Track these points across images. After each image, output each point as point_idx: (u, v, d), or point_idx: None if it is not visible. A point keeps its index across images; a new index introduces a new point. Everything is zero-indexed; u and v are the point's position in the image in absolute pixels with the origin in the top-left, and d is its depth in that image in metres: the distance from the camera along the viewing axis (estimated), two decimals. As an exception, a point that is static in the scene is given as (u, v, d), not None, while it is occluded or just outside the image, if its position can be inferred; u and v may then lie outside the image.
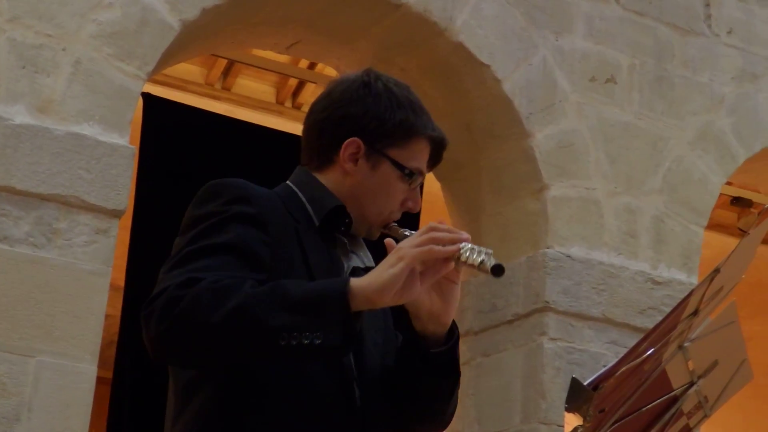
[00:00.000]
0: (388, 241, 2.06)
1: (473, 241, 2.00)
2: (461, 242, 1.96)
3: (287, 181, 2.28)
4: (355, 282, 1.91)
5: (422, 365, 2.11)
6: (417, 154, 2.21)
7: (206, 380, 2.06)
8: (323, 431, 2.05)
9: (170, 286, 1.93)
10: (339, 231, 2.21)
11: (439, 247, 1.94)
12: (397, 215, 2.25)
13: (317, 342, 1.86)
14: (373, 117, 2.19)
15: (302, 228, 2.15)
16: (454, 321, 2.14)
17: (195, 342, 1.91)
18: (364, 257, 2.25)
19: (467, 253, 1.95)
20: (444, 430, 2.29)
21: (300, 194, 2.22)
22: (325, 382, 2.06)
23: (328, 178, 2.23)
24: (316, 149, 2.25)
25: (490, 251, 1.96)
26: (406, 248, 1.93)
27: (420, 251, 1.92)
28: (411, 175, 2.21)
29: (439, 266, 1.97)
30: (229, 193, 2.10)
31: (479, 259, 1.94)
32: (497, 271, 1.93)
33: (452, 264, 1.98)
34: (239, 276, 1.95)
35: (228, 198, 2.09)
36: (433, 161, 2.27)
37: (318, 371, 2.05)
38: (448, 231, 1.97)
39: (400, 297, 1.93)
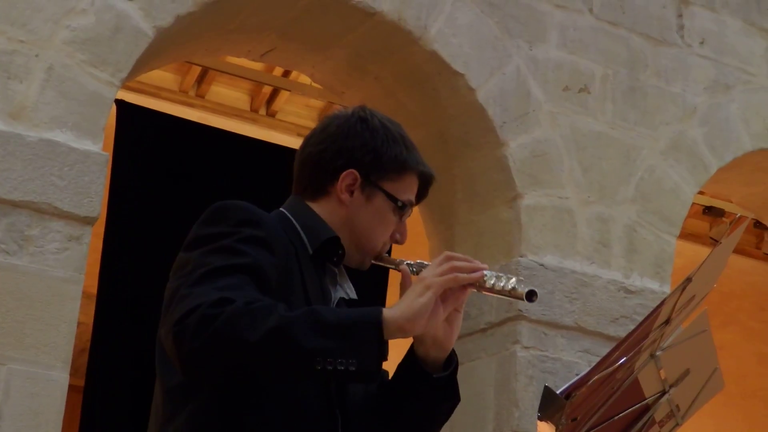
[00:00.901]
0: (404, 268, 2.16)
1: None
2: (482, 270, 2.05)
3: (281, 208, 2.32)
4: (387, 311, 1.98)
5: (424, 389, 2.20)
6: (408, 188, 2.31)
7: (198, 388, 2.08)
8: None
9: (203, 304, 1.95)
10: (330, 261, 2.27)
11: (464, 275, 2.03)
12: (387, 247, 2.33)
13: (352, 369, 1.93)
14: (369, 150, 2.27)
15: (300, 255, 2.21)
16: (453, 349, 2.22)
17: (230, 360, 1.94)
18: (348, 289, 2.31)
19: (492, 280, 2.04)
20: None
21: (294, 222, 2.27)
22: (311, 407, 2.10)
23: (322, 208, 2.29)
24: (311, 180, 2.32)
25: (521, 278, 2.06)
26: (431, 277, 2.01)
27: (446, 279, 2.01)
28: (403, 208, 2.29)
29: (459, 294, 2.07)
30: (238, 215, 2.15)
31: (510, 286, 2.03)
32: (531, 296, 2.03)
33: (469, 292, 2.07)
34: (271, 299, 2.00)
35: (237, 220, 2.14)
36: (420, 196, 2.36)
37: (305, 396, 2.09)
38: (467, 260, 2.06)
39: (428, 325, 2.01)
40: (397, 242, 2.34)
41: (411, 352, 2.21)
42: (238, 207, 2.17)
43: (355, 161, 2.26)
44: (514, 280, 2.03)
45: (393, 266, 2.25)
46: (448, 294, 2.04)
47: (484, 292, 2.08)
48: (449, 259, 2.05)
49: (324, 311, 1.97)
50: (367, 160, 2.26)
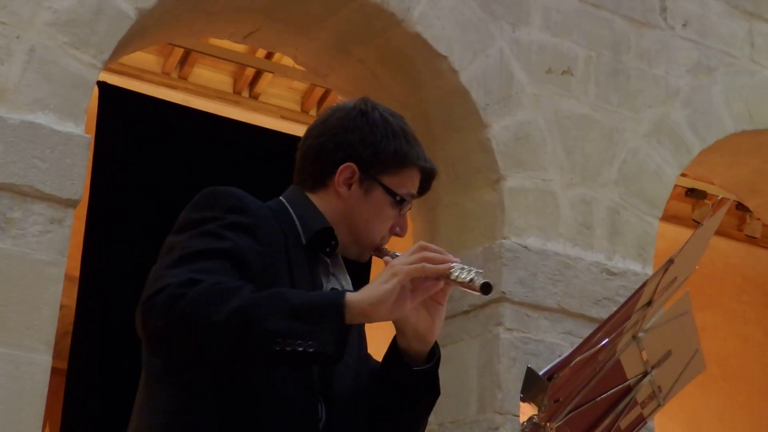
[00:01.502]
0: (386, 259, 2.16)
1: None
2: (451, 262, 2.05)
3: (280, 197, 2.33)
4: (350, 295, 1.98)
5: (404, 381, 2.20)
6: (408, 183, 2.31)
7: (177, 371, 2.09)
8: None
9: (171, 284, 1.97)
10: (323, 252, 2.27)
11: (431, 266, 2.03)
12: (386, 240, 2.33)
13: (310, 350, 1.93)
14: (368, 145, 2.27)
15: (290, 244, 2.21)
16: (436, 341, 2.23)
17: (194, 339, 1.95)
18: (343, 280, 2.32)
19: (457, 272, 2.04)
20: None
21: (291, 211, 2.28)
22: (294, 404, 2.10)
23: (320, 200, 2.30)
24: (311, 172, 2.32)
25: (481, 271, 2.05)
26: (399, 265, 2.02)
27: (412, 268, 2.01)
28: (402, 202, 2.29)
29: (429, 285, 2.06)
30: (227, 202, 2.16)
31: (468, 277, 2.03)
32: (485, 288, 2.02)
33: (441, 284, 2.08)
34: (239, 281, 2.01)
35: (226, 206, 2.15)
36: (422, 190, 2.36)
37: (289, 392, 2.10)
38: (439, 251, 2.05)
39: (392, 312, 2.01)
40: (397, 235, 2.34)
41: (394, 344, 2.21)
42: (228, 193, 2.18)
43: (353, 155, 2.26)
44: (474, 272, 2.03)
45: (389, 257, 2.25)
46: (418, 284, 2.05)
47: (451, 284, 2.09)
48: (421, 249, 2.05)
49: (289, 293, 1.98)
50: (366, 155, 2.26)
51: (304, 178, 2.33)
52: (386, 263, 2.11)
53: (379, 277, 2.01)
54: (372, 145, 2.26)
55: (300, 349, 1.92)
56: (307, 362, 1.98)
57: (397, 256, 2.17)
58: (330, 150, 2.28)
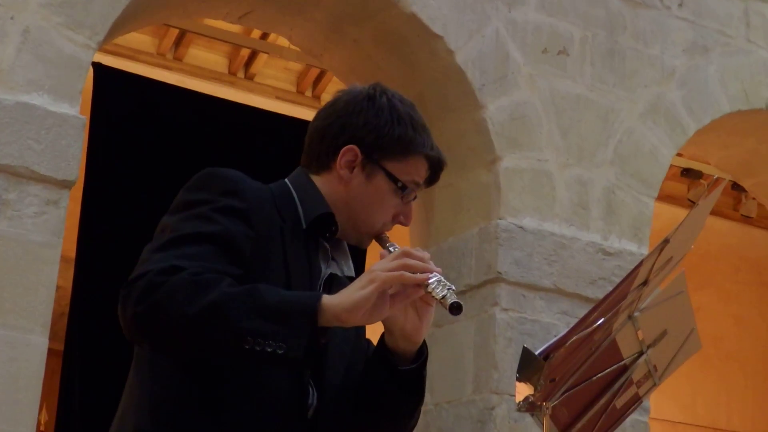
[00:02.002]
0: (383, 253, 2.13)
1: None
2: (431, 273, 2.02)
3: (285, 179, 2.31)
4: (326, 299, 1.96)
5: (389, 380, 2.17)
6: (412, 170, 2.27)
7: (162, 358, 2.09)
8: None
9: (151, 270, 1.97)
10: (323, 237, 2.25)
11: (409, 275, 2.00)
12: (389, 227, 2.30)
13: (279, 352, 1.92)
14: (372, 129, 2.24)
15: (287, 228, 2.19)
16: (425, 341, 2.19)
17: (167, 330, 1.95)
18: (344, 266, 2.29)
19: (434, 285, 2.02)
20: None
21: (294, 194, 2.26)
22: (280, 390, 2.10)
23: (324, 183, 2.27)
24: (316, 154, 2.29)
25: (454, 288, 2.03)
26: (378, 271, 1.99)
27: (391, 276, 1.99)
28: (404, 189, 2.26)
29: (411, 291, 2.04)
30: (223, 185, 2.14)
31: (441, 294, 2.01)
32: (454, 308, 1.99)
33: (422, 290, 2.04)
34: (221, 270, 2.00)
35: (220, 189, 2.13)
36: (430, 180, 2.33)
37: (275, 378, 2.08)
38: (421, 259, 2.03)
39: (369, 317, 1.99)
40: (401, 224, 2.31)
41: (382, 342, 2.19)
42: (224, 176, 2.17)
43: (357, 138, 2.23)
44: (447, 289, 2.01)
45: (385, 249, 2.22)
46: (400, 289, 2.02)
47: (427, 295, 2.06)
48: (403, 255, 2.02)
49: (266, 291, 1.96)
50: (369, 139, 2.23)
51: (310, 160, 2.30)
52: (381, 257, 2.08)
53: (357, 282, 1.99)
54: (375, 130, 2.23)
55: (269, 349, 1.91)
56: (276, 363, 1.95)
57: (395, 248, 2.16)
58: (334, 132, 2.25)
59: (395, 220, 2.29)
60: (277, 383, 2.09)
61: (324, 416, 2.16)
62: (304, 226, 2.21)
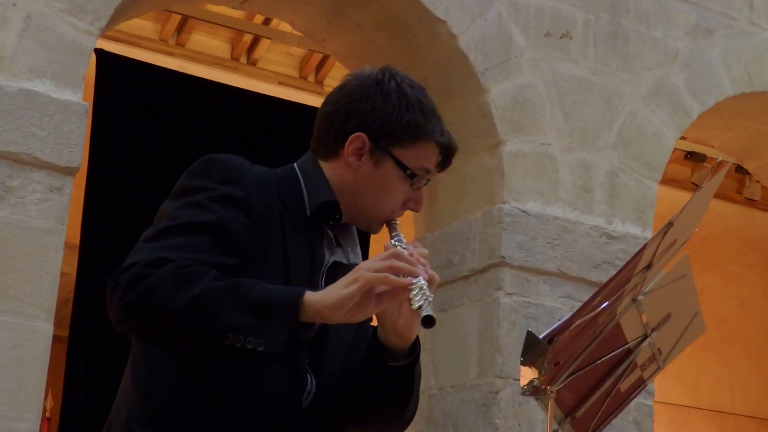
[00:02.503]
0: (387, 244, 2.08)
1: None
2: (417, 277, 1.99)
3: (294, 164, 2.28)
4: (309, 295, 1.94)
5: (379, 375, 2.14)
6: (422, 157, 2.22)
7: (158, 353, 2.09)
8: (267, 428, 2.07)
9: (139, 262, 1.97)
10: (327, 224, 2.22)
11: (393, 278, 1.97)
12: (400, 213, 2.26)
13: (259, 348, 1.91)
14: (379, 115, 2.19)
15: (290, 215, 2.16)
16: (418, 338, 2.16)
17: (151, 322, 1.95)
18: (351, 253, 2.27)
19: (414, 291, 1.99)
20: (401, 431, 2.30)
21: (301, 180, 2.23)
22: (275, 379, 2.08)
23: (332, 169, 2.23)
24: (324, 140, 2.25)
25: (431, 298, 1.99)
26: (364, 270, 1.96)
27: (374, 277, 1.96)
28: (413, 176, 2.21)
29: (397, 292, 2.00)
30: (221, 172, 2.12)
31: (418, 303, 1.97)
32: (426, 322, 1.96)
33: (407, 293, 2.01)
34: (210, 261, 1.99)
35: (219, 177, 2.11)
36: (442, 166, 2.28)
37: (270, 368, 2.06)
38: (409, 262, 2.00)
39: (353, 316, 1.97)
40: (412, 210, 2.27)
41: (375, 336, 2.16)
42: (223, 163, 2.14)
43: (364, 125, 2.19)
44: (425, 300, 1.98)
45: (390, 241, 2.17)
46: (387, 288, 1.99)
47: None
48: (392, 257, 1.99)
49: (250, 286, 1.94)
50: (377, 125, 2.18)
51: (318, 146, 2.27)
52: (385, 248, 2.05)
53: (343, 279, 1.96)
54: (383, 116, 2.19)
55: (249, 346, 1.90)
56: (257, 358, 1.94)
57: (399, 240, 2.13)
58: (342, 119, 2.21)
59: (405, 206, 2.25)
60: (272, 372, 2.07)
61: (322, 404, 2.14)
62: (309, 213, 2.19)
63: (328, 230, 2.23)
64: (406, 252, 2.04)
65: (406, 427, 2.27)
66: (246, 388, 2.06)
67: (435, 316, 1.97)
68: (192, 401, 2.05)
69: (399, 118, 2.19)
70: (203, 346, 1.97)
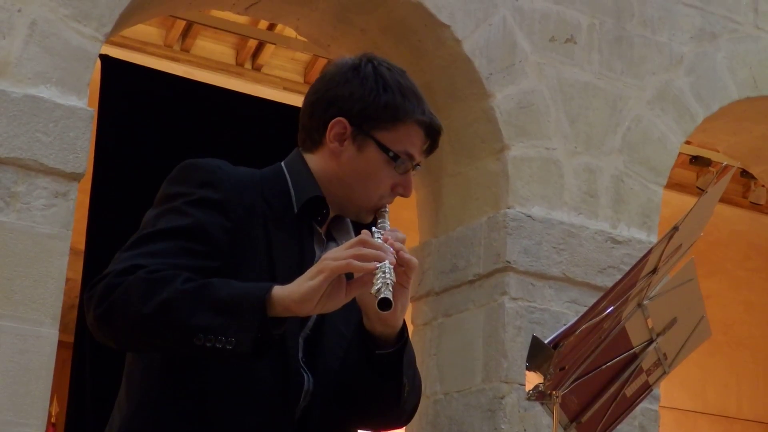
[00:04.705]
0: (364, 232, 2.05)
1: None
2: (382, 261, 1.96)
3: (281, 162, 2.27)
4: (277, 290, 1.93)
5: (365, 365, 2.12)
6: (405, 138, 2.19)
7: (150, 357, 2.09)
8: (256, 427, 2.06)
9: (112, 272, 1.99)
10: (316, 220, 2.20)
11: (358, 263, 1.95)
12: (389, 199, 2.23)
13: (229, 347, 1.91)
14: (357, 99, 2.18)
15: (274, 215, 2.15)
16: (405, 325, 2.13)
17: (125, 330, 1.97)
18: None
19: (378, 275, 1.95)
20: (399, 428, 2.28)
21: (288, 178, 2.22)
22: (264, 379, 2.06)
23: (316, 160, 2.22)
24: (308, 130, 2.25)
25: (391, 280, 1.95)
26: (328, 260, 1.95)
27: (338, 265, 1.94)
28: (396, 159, 2.18)
29: (366, 279, 1.97)
30: (199, 176, 2.11)
31: (376, 287, 1.94)
32: (381, 304, 1.93)
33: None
34: (183, 265, 1.99)
35: (197, 181, 2.11)
36: (429, 147, 2.25)
37: (259, 367, 2.04)
38: (376, 247, 1.97)
39: (324, 306, 1.96)
40: (401, 195, 2.24)
41: (361, 325, 2.13)
42: (200, 167, 2.13)
43: (344, 110, 2.17)
44: (382, 284, 1.94)
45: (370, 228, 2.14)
46: (356, 276, 1.97)
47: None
48: (357, 244, 1.97)
49: (218, 286, 1.94)
50: (356, 109, 2.16)
51: (303, 138, 2.27)
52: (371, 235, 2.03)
53: (309, 271, 1.95)
54: (361, 99, 2.17)
55: (219, 345, 1.90)
56: (227, 357, 1.93)
57: (383, 227, 2.11)
58: (323, 107, 2.20)
59: (394, 191, 2.22)
60: (261, 374, 2.05)
61: (320, 402, 2.12)
62: (296, 211, 2.17)
63: (317, 226, 2.21)
64: (376, 237, 2.02)
65: (409, 419, 2.24)
66: (234, 392, 2.05)
67: (391, 298, 1.93)
68: (180, 409, 2.05)
69: (377, 100, 2.17)
70: (177, 348, 1.97)
